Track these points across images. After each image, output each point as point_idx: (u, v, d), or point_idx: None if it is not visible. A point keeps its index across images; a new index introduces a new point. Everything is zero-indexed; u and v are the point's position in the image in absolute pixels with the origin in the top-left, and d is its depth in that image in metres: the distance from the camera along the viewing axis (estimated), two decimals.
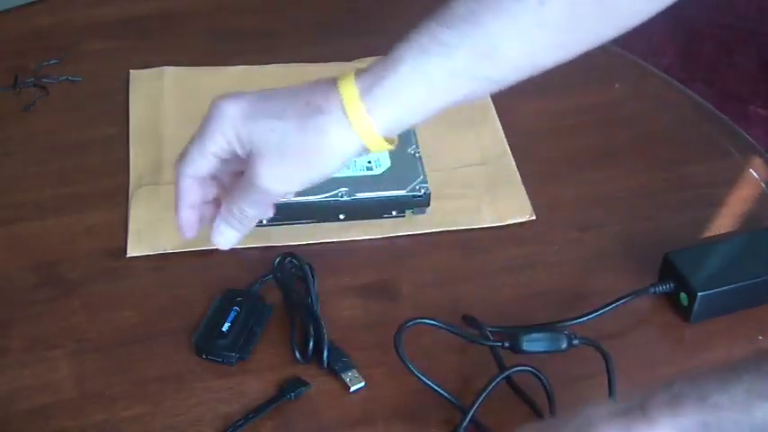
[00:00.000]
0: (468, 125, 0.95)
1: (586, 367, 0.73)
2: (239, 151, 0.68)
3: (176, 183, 0.72)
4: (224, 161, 0.70)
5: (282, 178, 0.68)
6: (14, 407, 0.72)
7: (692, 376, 0.56)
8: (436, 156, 0.91)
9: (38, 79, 0.99)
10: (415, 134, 0.88)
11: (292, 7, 1.10)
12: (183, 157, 0.71)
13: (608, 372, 0.72)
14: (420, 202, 0.85)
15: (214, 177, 0.72)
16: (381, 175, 0.85)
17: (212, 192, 0.74)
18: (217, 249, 0.82)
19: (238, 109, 0.68)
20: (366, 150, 0.67)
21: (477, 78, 0.67)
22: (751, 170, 0.93)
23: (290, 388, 0.72)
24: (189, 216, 0.73)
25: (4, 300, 0.79)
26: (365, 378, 0.73)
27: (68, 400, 0.72)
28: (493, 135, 0.95)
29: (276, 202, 0.72)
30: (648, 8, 0.69)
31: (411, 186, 0.85)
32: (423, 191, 0.84)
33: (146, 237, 0.83)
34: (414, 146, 0.87)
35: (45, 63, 1.01)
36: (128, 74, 0.99)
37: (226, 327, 0.75)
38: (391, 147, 0.68)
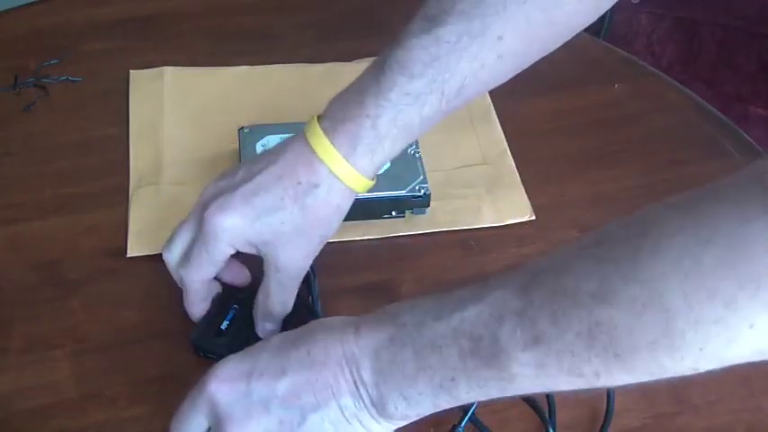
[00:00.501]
0: (468, 125, 0.95)
1: None
2: (250, 251, 0.72)
3: (186, 287, 0.74)
4: None
5: (305, 252, 0.72)
6: (14, 407, 0.72)
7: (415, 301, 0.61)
8: (436, 156, 0.91)
9: (38, 79, 0.99)
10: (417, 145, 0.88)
11: (292, 7, 1.10)
12: (188, 263, 0.72)
13: None
14: (420, 202, 0.85)
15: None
16: (381, 175, 0.85)
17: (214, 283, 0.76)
18: None
19: (237, 218, 0.70)
20: (357, 193, 0.72)
21: (446, 112, 0.71)
22: None
23: None
24: (203, 308, 0.75)
25: (5, 300, 0.79)
26: None
27: (68, 400, 0.72)
28: (493, 135, 0.95)
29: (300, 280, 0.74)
30: (587, 19, 0.73)
31: (411, 186, 0.84)
32: (423, 191, 0.84)
33: (146, 237, 0.83)
34: (414, 146, 0.87)
35: (45, 63, 1.01)
36: (128, 74, 0.99)
37: (224, 325, 0.75)
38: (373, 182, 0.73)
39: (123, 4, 1.10)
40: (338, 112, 0.69)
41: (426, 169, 0.86)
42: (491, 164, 0.92)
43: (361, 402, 0.60)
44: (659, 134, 0.97)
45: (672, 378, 0.52)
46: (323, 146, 0.69)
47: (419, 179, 0.85)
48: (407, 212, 0.86)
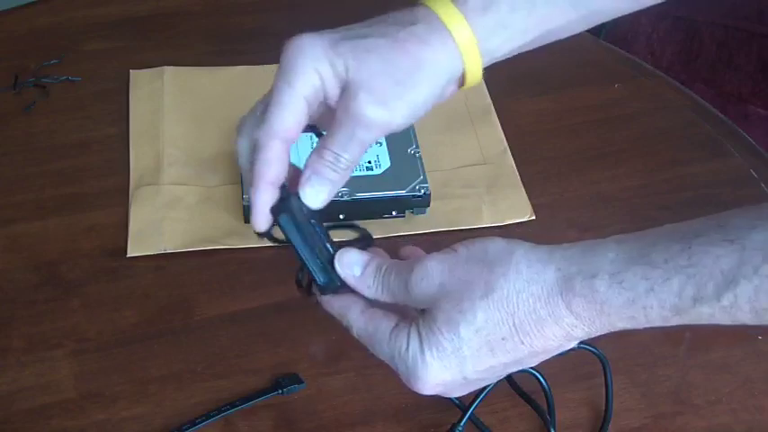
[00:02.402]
0: (468, 125, 0.95)
1: (586, 368, 0.73)
2: (333, 85, 0.60)
3: (258, 153, 0.60)
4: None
5: (386, 102, 0.59)
6: (14, 407, 0.72)
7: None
8: (436, 156, 0.91)
9: (38, 79, 0.99)
10: (414, 134, 0.88)
11: (292, 7, 1.10)
12: (267, 113, 0.60)
13: (605, 376, 0.72)
14: (420, 202, 0.85)
15: None
16: (381, 175, 0.85)
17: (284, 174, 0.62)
18: (216, 249, 0.83)
19: (325, 38, 0.60)
20: (461, 77, 0.61)
21: (576, 7, 0.64)
22: (751, 170, 0.93)
23: (284, 383, 0.72)
24: (267, 200, 0.61)
25: (5, 300, 0.79)
26: (365, 378, 0.73)
27: (68, 400, 0.72)
28: (493, 135, 0.95)
29: (377, 139, 0.61)
30: None
31: (411, 186, 0.85)
32: (423, 191, 0.84)
33: (146, 237, 0.83)
34: (414, 146, 0.87)
35: (45, 63, 1.01)
36: (128, 74, 0.99)
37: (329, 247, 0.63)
38: (479, 79, 0.62)
39: (123, 4, 1.10)
40: None
41: (426, 169, 0.86)
42: (491, 164, 0.92)
43: (573, 339, 0.58)
44: (659, 134, 0.97)
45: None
46: None
47: (419, 179, 0.85)
48: (407, 212, 0.86)
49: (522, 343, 0.56)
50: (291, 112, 0.60)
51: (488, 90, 0.98)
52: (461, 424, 0.69)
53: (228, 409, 0.71)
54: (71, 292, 0.80)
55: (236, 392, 0.72)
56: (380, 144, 0.87)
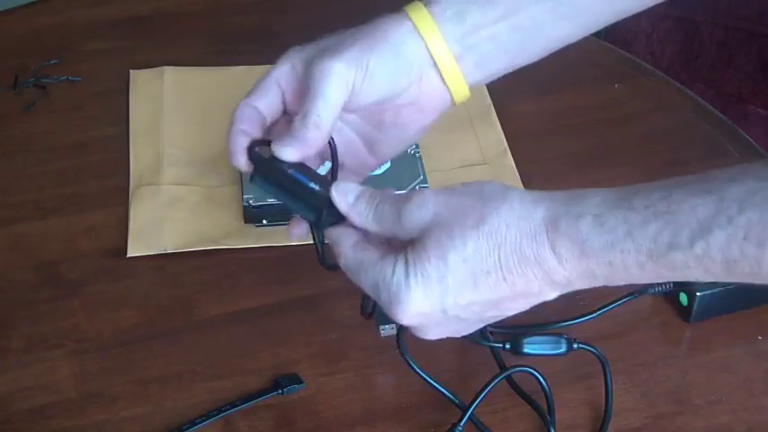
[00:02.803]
0: (468, 125, 0.95)
1: (586, 368, 0.73)
2: (301, 69, 0.66)
3: (234, 111, 0.67)
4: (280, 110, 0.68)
5: (342, 54, 0.64)
6: (14, 407, 0.72)
7: None
8: (436, 156, 0.91)
9: (38, 79, 0.99)
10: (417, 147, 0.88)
11: (292, 7, 1.10)
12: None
13: (605, 377, 0.72)
14: None
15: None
16: (381, 175, 0.85)
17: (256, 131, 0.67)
18: (217, 249, 0.83)
19: (300, 46, 0.67)
20: (431, 60, 0.66)
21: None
22: None
23: (284, 383, 0.72)
24: (240, 141, 0.66)
25: (5, 300, 0.79)
26: (365, 378, 0.74)
27: (68, 400, 0.72)
28: (493, 135, 0.95)
29: (342, 96, 0.65)
30: None
31: (411, 186, 0.85)
32: None
33: (146, 237, 0.83)
34: (414, 146, 0.87)
35: (45, 63, 1.01)
36: (128, 74, 0.99)
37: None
38: (466, 93, 0.68)
39: (123, 4, 1.10)
40: None
41: (426, 169, 0.86)
42: (491, 164, 0.92)
43: (554, 285, 0.58)
44: (659, 134, 0.97)
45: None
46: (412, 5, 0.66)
47: (419, 179, 0.85)
48: None
49: (505, 280, 0.57)
50: (262, 87, 0.67)
51: (488, 90, 0.98)
52: (461, 424, 0.69)
53: (228, 409, 0.71)
54: (71, 292, 0.80)
55: (236, 392, 0.72)
56: None
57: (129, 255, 0.82)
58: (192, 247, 0.83)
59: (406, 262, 0.58)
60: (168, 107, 0.96)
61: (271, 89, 0.67)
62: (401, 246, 0.60)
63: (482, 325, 0.63)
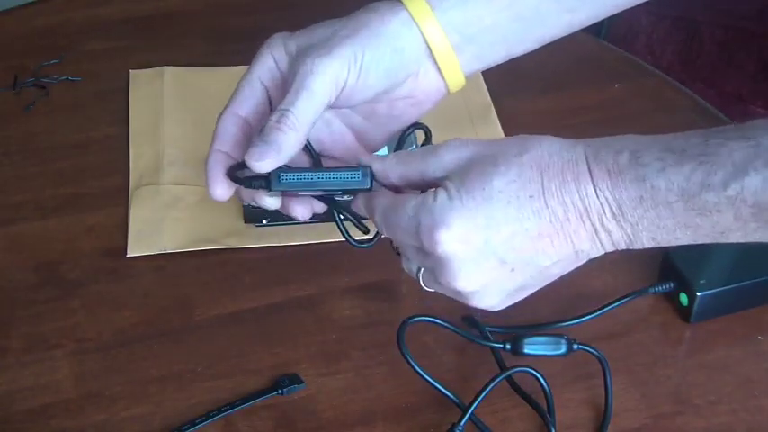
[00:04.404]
0: (468, 125, 0.95)
1: (585, 368, 0.73)
2: (285, 63, 0.64)
3: (216, 125, 0.66)
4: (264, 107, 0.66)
5: (330, 51, 0.62)
6: (14, 407, 0.72)
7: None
8: None
9: (38, 79, 0.99)
10: (414, 134, 0.88)
11: (291, 7, 1.10)
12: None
13: (605, 377, 0.72)
14: None
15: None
16: None
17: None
18: (217, 249, 0.83)
19: (285, 34, 0.66)
20: (427, 52, 0.64)
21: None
22: None
23: (284, 383, 0.72)
24: (217, 168, 0.64)
25: (5, 300, 0.79)
26: (365, 378, 0.74)
27: (68, 400, 0.72)
28: (493, 135, 0.95)
29: (327, 96, 0.62)
30: None
31: None
32: None
33: (146, 237, 0.83)
34: (414, 146, 0.87)
35: (45, 63, 1.01)
36: (128, 74, 0.99)
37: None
38: (461, 82, 0.67)
39: (123, 4, 1.10)
40: None
41: None
42: None
43: (598, 245, 0.58)
44: (659, 134, 0.97)
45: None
46: None
47: None
48: None
49: (547, 206, 0.57)
50: (245, 90, 0.65)
51: (488, 90, 0.98)
52: (461, 424, 0.69)
53: (228, 409, 0.71)
54: (71, 292, 0.80)
55: (236, 392, 0.72)
56: None
57: (129, 255, 0.82)
58: (191, 247, 0.83)
59: (448, 189, 0.58)
60: (168, 107, 0.96)
61: (254, 91, 0.65)
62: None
63: (526, 289, 0.61)
